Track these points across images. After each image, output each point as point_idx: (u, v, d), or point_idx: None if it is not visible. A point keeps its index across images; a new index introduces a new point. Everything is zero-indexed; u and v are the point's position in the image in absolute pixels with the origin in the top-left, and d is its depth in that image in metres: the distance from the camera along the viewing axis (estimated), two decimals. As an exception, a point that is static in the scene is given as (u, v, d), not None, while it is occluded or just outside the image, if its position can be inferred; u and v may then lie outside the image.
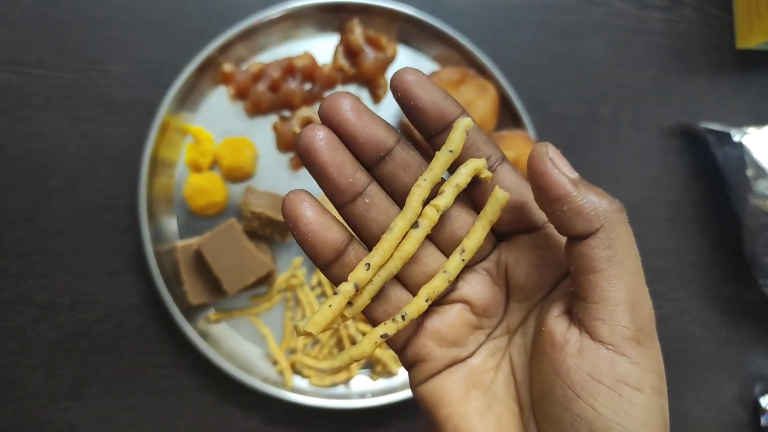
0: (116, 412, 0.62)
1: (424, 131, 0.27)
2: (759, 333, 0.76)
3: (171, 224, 0.64)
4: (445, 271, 0.27)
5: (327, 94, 0.67)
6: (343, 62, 0.67)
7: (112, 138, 0.64)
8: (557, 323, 0.26)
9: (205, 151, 0.63)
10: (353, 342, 0.64)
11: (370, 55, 0.67)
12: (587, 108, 0.74)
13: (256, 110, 0.65)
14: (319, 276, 0.65)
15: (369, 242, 0.28)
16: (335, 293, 0.26)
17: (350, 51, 0.67)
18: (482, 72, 0.68)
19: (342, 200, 0.27)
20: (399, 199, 0.28)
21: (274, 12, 0.64)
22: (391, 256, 0.27)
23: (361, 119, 0.26)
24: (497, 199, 0.27)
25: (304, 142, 0.25)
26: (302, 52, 0.66)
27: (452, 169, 0.28)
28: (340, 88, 0.68)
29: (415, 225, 0.27)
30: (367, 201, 0.27)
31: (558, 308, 0.26)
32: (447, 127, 0.27)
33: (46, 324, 0.62)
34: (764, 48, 0.75)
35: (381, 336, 0.27)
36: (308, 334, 0.26)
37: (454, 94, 0.66)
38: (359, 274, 0.26)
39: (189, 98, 0.64)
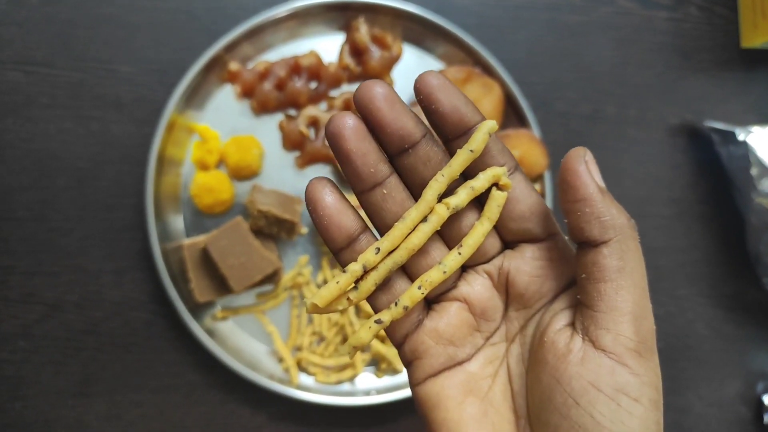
0: (123, 409, 0.63)
1: (442, 135, 0.28)
2: (762, 331, 0.76)
3: (178, 222, 0.64)
4: (441, 263, 0.28)
5: (333, 92, 0.67)
6: (348, 61, 0.67)
7: (118, 137, 0.64)
8: (560, 334, 0.26)
9: (211, 149, 0.64)
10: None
11: (375, 53, 0.67)
12: (592, 106, 0.74)
13: (262, 109, 0.66)
14: (324, 274, 0.66)
15: (382, 230, 0.29)
16: (344, 272, 0.27)
17: (356, 50, 0.67)
18: (487, 70, 0.68)
19: (361, 188, 0.28)
20: (416, 191, 0.28)
21: (280, 11, 0.64)
22: (399, 246, 0.28)
23: (393, 110, 0.26)
24: (495, 198, 0.28)
25: (334, 128, 0.26)
26: (308, 50, 0.66)
27: (471, 172, 0.28)
28: (346, 87, 0.68)
29: (424, 220, 0.28)
30: (385, 192, 0.28)
31: (561, 320, 0.27)
32: (465, 132, 0.27)
33: (54, 321, 0.62)
34: (769, 46, 0.75)
35: (375, 321, 0.28)
36: (315, 308, 0.27)
37: (460, 92, 0.66)
38: (368, 256, 0.27)
39: (195, 97, 0.64)
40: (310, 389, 0.63)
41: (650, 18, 0.75)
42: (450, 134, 0.28)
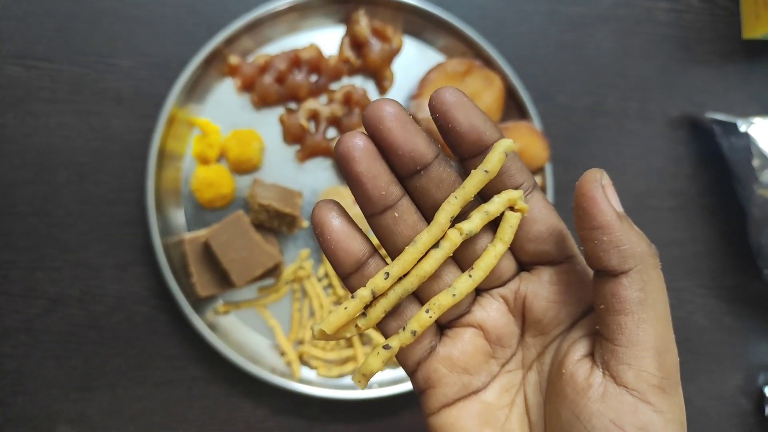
0: (125, 403, 0.63)
1: (458, 153, 0.27)
2: (763, 323, 0.76)
3: (179, 217, 0.64)
4: (451, 287, 0.27)
5: (333, 85, 0.67)
6: (349, 54, 0.67)
7: (119, 131, 0.64)
8: (579, 366, 0.25)
9: (212, 143, 0.64)
10: (360, 333, 0.64)
11: (376, 46, 0.67)
12: (593, 99, 0.73)
13: (262, 102, 0.65)
14: (326, 267, 0.66)
15: (393, 254, 0.28)
16: (353, 298, 0.27)
17: (356, 42, 0.67)
18: (488, 63, 0.68)
19: (372, 211, 0.27)
20: (428, 213, 0.27)
21: (280, 4, 0.64)
22: (409, 272, 0.27)
23: (404, 130, 0.25)
24: (509, 219, 0.27)
25: (343, 148, 0.25)
26: (308, 43, 0.66)
27: (487, 192, 0.27)
28: (346, 80, 0.68)
29: (436, 245, 0.27)
30: (396, 215, 0.27)
31: (579, 350, 0.26)
32: (482, 151, 0.26)
33: (56, 316, 0.62)
34: (770, 38, 0.75)
35: (384, 347, 0.27)
36: (323, 335, 0.26)
37: (460, 85, 0.66)
38: (377, 281, 0.26)
39: (196, 91, 0.64)
40: (312, 383, 0.63)
41: (651, 9, 0.75)
42: (466, 153, 0.26)
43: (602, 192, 0.24)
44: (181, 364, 0.64)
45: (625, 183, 0.74)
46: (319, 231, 0.26)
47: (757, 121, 0.68)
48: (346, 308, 0.26)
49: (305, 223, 0.65)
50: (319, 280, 0.66)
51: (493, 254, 0.27)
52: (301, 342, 0.64)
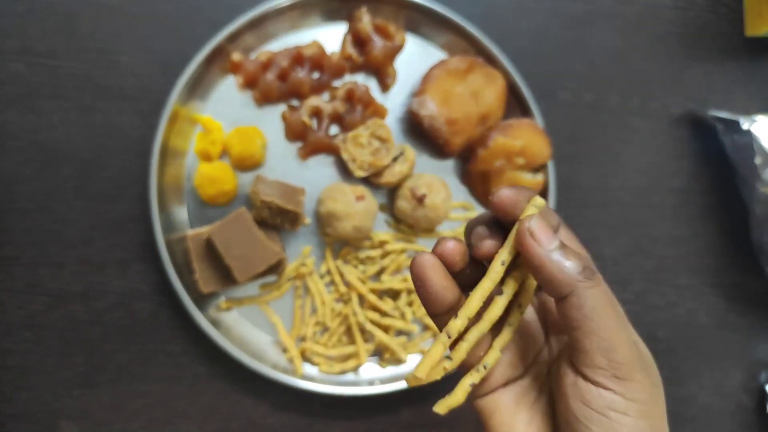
0: (128, 399, 0.63)
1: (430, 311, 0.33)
2: (765, 321, 0.76)
3: (181, 213, 0.64)
4: (509, 324, 0.33)
5: (335, 82, 0.67)
6: (351, 51, 0.67)
7: (122, 128, 0.64)
8: (562, 364, 0.31)
9: (215, 140, 0.64)
10: (362, 330, 0.64)
11: (378, 43, 0.66)
12: (595, 96, 0.73)
13: (265, 99, 0.66)
14: (328, 265, 0.66)
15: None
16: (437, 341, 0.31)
17: (359, 39, 0.67)
18: (490, 60, 0.68)
19: (436, 312, 0.33)
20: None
21: (283, 1, 0.64)
22: (482, 317, 0.31)
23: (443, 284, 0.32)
24: (528, 289, 0.33)
25: (416, 269, 0.31)
26: (311, 40, 0.66)
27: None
28: (348, 77, 0.68)
29: (499, 292, 0.31)
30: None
31: (565, 353, 0.31)
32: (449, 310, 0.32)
33: (58, 312, 0.62)
34: (773, 35, 0.75)
35: (470, 385, 0.32)
36: (417, 380, 0.30)
37: (462, 82, 0.66)
38: (454, 326, 0.31)
39: (198, 88, 0.64)
40: (314, 379, 0.63)
41: (654, 6, 0.75)
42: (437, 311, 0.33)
43: (530, 239, 0.29)
44: (183, 360, 0.64)
45: (627, 180, 0.74)
46: (420, 284, 0.31)
47: (760, 118, 0.68)
48: (431, 354, 0.30)
49: (308, 220, 0.65)
50: (321, 277, 0.66)
51: (530, 296, 0.33)
52: (303, 338, 0.65)
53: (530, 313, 0.35)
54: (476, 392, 0.34)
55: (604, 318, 0.28)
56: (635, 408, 0.28)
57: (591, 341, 0.28)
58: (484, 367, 0.32)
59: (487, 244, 0.31)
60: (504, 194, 0.30)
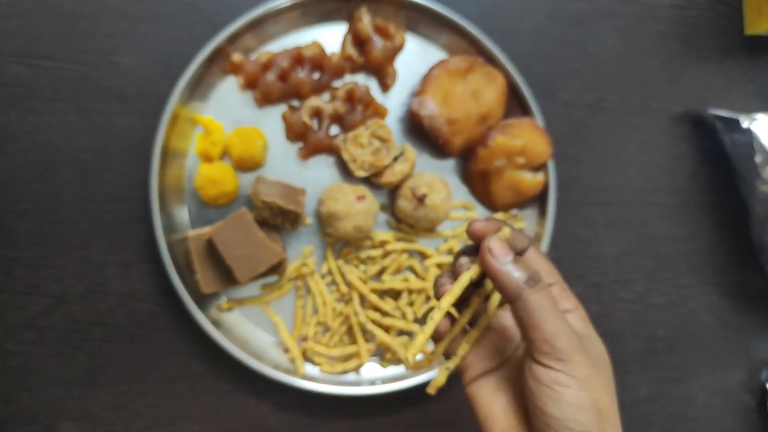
0: (130, 400, 0.63)
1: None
2: (766, 319, 0.76)
3: (182, 214, 0.64)
4: (477, 326, 0.41)
5: (336, 83, 0.67)
6: (351, 51, 0.67)
7: (122, 129, 0.64)
8: (526, 354, 0.37)
9: (215, 141, 0.64)
10: (363, 330, 0.64)
11: (378, 43, 0.67)
12: (595, 95, 0.74)
13: (265, 100, 0.66)
14: (329, 265, 0.66)
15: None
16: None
17: (359, 40, 0.67)
18: (491, 60, 0.68)
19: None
20: None
21: (283, 1, 0.64)
22: (456, 322, 0.41)
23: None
24: (492, 300, 0.41)
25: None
26: (311, 41, 0.66)
27: None
28: (348, 77, 0.68)
29: (483, 309, 0.41)
30: None
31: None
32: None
33: (60, 313, 0.63)
34: (773, 34, 0.75)
35: (446, 368, 0.41)
36: (407, 362, 0.38)
37: (463, 82, 0.66)
38: (431, 315, 0.39)
39: (199, 88, 0.64)
40: (315, 379, 0.63)
41: (654, 6, 0.75)
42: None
43: (488, 255, 0.37)
44: (184, 360, 0.64)
45: (627, 179, 0.74)
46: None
47: (760, 117, 0.68)
48: (418, 340, 0.38)
49: (308, 220, 0.65)
50: (323, 277, 0.66)
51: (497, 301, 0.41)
52: (304, 338, 0.65)
53: (508, 318, 0.42)
54: (464, 380, 0.41)
55: (544, 315, 0.35)
56: (575, 382, 0.35)
57: (535, 333, 0.35)
58: (459, 357, 0.41)
59: (463, 261, 0.39)
60: (475, 226, 0.39)
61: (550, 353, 0.35)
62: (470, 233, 0.39)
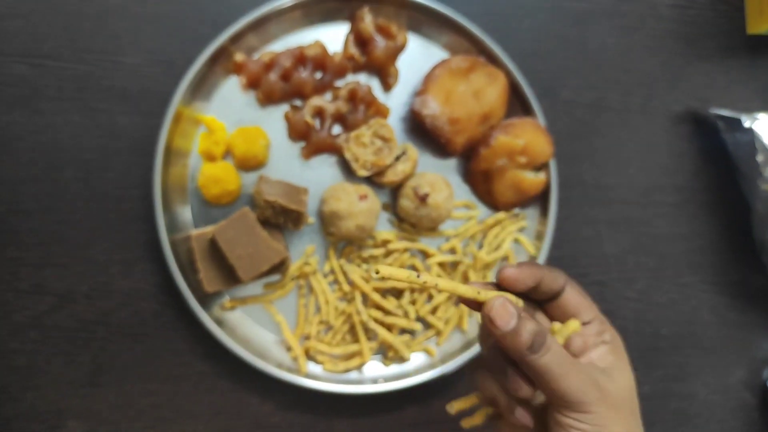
0: (133, 398, 0.63)
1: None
2: (767, 318, 0.76)
3: (185, 213, 0.65)
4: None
5: (338, 82, 0.67)
6: (353, 51, 0.67)
7: (125, 128, 0.64)
8: (549, 405, 0.39)
9: (218, 140, 0.64)
10: (366, 328, 0.65)
11: (380, 43, 0.67)
12: (597, 94, 0.74)
13: (267, 99, 0.66)
14: (331, 264, 0.66)
15: None
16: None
17: (361, 39, 0.67)
18: (492, 59, 0.68)
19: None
20: None
21: (285, 1, 0.64)
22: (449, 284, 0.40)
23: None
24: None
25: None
26: (313, 41, 0.66)
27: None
28: (351, 77, 0.68)
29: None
30: None
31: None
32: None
33: (64, 312, 0.63)
34: (774, 33, 0.75)
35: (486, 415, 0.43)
36: (381, 275, 0.36)
37: (464, 81, 0.66)
38: (426, 274, 0.39)
39: (201, 88, 0.64)
40: (318, 377, 0.63)
41: (655, 5, 0.75)
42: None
43: (490, 324, 0.36)
44: (188, 359, 0.64)
45: (629, 178, 0.74)
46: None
47: (762, 116, 0.68)
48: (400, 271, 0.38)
49: (311, 220, 0.66)
50: (325, 276, 0.66)
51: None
52: (307, 337, 0.65)
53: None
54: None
55: (551, 376, 0.36)
56: (593, 429, 0.36)
57: (546, 391, 0.37)
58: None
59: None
60: (507, 273, 0.39)
61: (564, 406, 0.36)
62: (500, 281, 0.39)
